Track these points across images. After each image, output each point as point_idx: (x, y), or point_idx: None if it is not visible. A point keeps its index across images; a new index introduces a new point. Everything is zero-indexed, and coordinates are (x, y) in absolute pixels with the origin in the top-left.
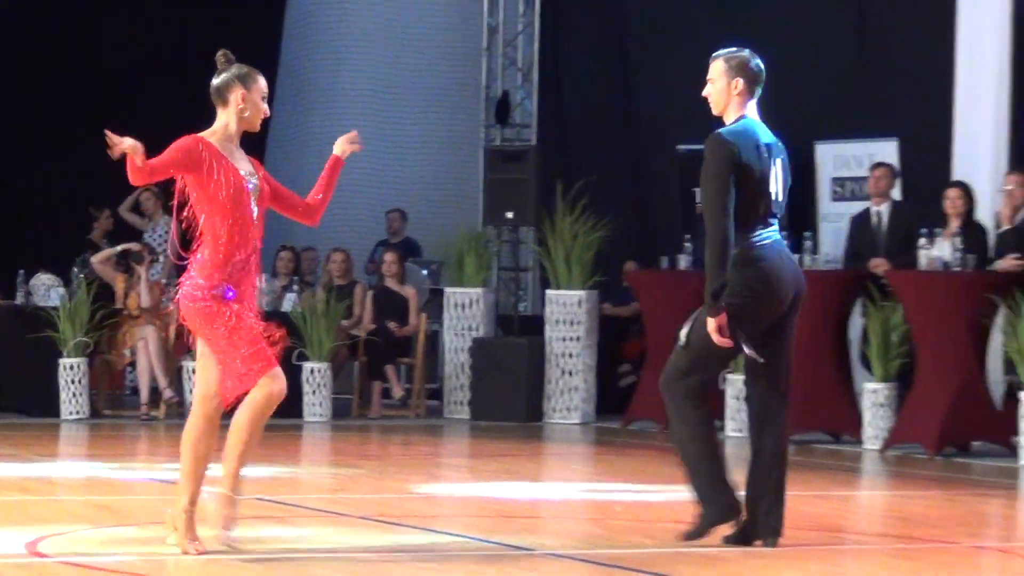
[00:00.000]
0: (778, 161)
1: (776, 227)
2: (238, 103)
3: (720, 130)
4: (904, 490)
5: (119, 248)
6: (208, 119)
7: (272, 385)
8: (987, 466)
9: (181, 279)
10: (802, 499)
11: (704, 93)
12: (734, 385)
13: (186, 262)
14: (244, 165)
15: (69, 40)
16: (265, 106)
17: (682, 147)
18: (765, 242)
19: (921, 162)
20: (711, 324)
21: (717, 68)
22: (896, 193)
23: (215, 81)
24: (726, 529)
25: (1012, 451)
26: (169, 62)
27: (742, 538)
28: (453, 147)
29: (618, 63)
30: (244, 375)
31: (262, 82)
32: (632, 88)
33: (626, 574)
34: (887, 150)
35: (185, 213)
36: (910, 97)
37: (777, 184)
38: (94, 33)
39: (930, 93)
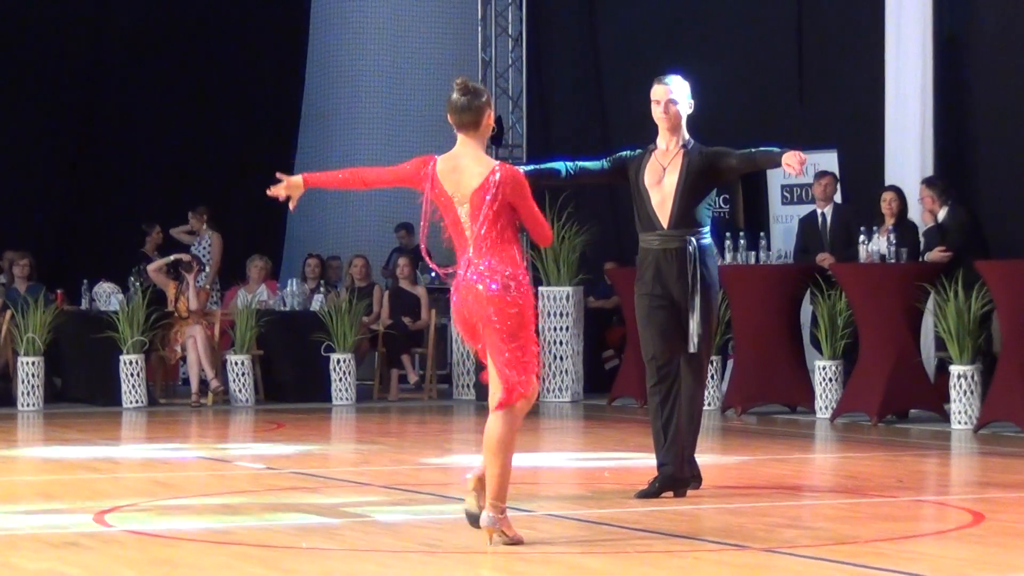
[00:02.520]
0: None
1: None
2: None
3: None
4: (852, 453)
5: (171, 258)
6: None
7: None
8: (923, 430)
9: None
10: (764, 462)
11: (668, 111)
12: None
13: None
14: None
15: (120, 74)
16: None
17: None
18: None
19: (858, 169)
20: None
21: (679, 90)
22: (838, 197)
23: (464, 100)
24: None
25: (944, 417)
26: (204, 95)
27: (650, 492)
28: None
29: (594, 91)
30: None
31: None
32: (607, 112)
33: (612, 530)
34: (829, 159)
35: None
36: (847, 113)
37: None
38: (143, 63)
39: (864, 109)
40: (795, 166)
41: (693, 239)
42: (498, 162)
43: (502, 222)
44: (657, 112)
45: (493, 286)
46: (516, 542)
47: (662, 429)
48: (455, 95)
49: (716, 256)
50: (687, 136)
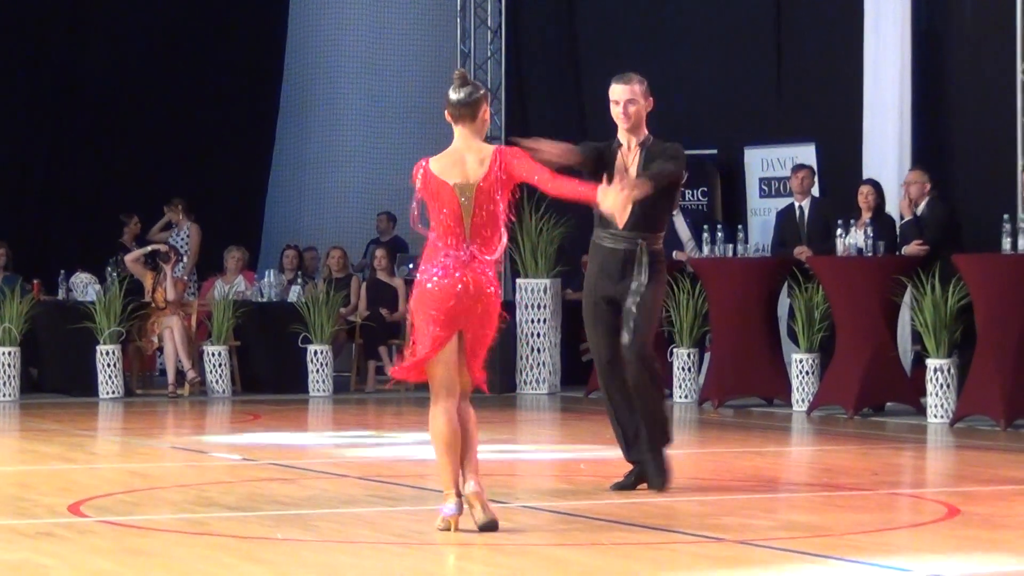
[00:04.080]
0: None
1: None
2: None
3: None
4: (828, 445)
5: (148, 249)
6: (221, 127)
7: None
8: (899, 423)
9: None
10: (741, 455)
11: (627, 111)
12: (680, 357)
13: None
14: None
15: (98, 65)
16: None
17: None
18: None
19: (836, 163)
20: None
21: (639, 89)
22: (815, 190)
23: (462, 96)
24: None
25: (920, 410)
26: (183, 86)
27: (625, 485)
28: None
29: (571, 83)
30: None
31: None
32: (585, 104)
33: (588, 522)
34: (807, 153)
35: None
36: (825, 107)
37: None
38: (121, 55)
39: (842, 103)
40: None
41: (643, 243)
42: (494, 146)
43: (500, 206)
44: (616, 112)
45: (497, 290)
46: (493, 521)
47: (624, 425)
48: (453, 89)
49: (664, 262)
50: (646, 132)
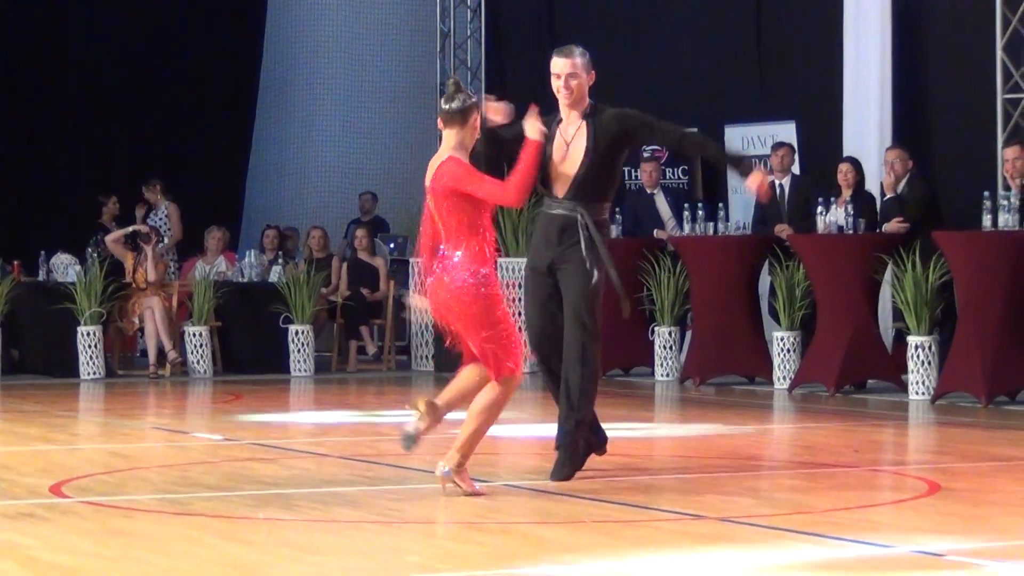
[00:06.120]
0: None
1: None
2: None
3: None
4: (809, 423)
5: (129, 229)
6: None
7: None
8: (880, 400)
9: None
10: (722, 433)
11: (568, 85)
12: (661, 335)
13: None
14: None
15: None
16: None
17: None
18: None
19: (816, 140)
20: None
21: (581, 63)
22: (796, 168)
23: (455, 105)
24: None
25: (901, 387)
26: (162, 66)
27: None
28: (414, 136)
29: (550, 62)
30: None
31: None
32: None
33: (569, 500)
34: (787, 131)
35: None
36: (805, 85)
37: None
38: (101, 36)
39: (823, 81)
40: (763, 191)
41: (585, 213)
42: (448, 155)
43: (465, 213)
44: (557, 85)
45: (458, 279)
46: (474, 494)
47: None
48: (445, 97)
49: (607, 232)
50: (588, 102)
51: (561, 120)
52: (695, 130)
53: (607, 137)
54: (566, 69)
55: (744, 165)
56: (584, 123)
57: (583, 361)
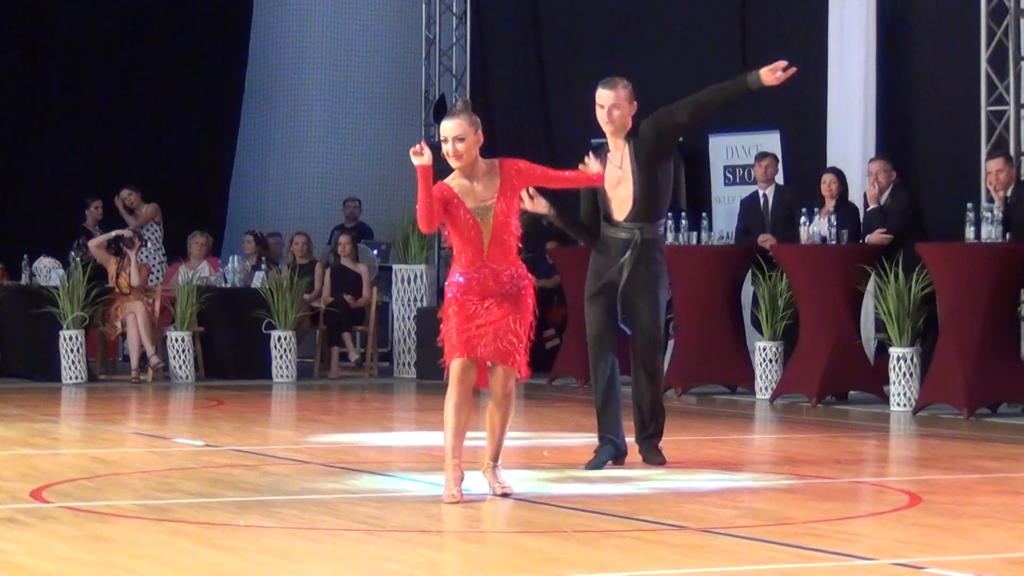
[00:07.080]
0: None
1: None
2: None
3: None
4: (791, 433)
5: (112, 234)
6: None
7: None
8: (862, 411)
9: None
10: (704, 442)
11: (611, 115)
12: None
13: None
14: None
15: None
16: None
17: (594, 140)
18: None
19: (800, 151)
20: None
21: (624, 94)
22: (779, 178)
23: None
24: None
25: (883, 399)
26: (147, 70)
27: (596, 464)
28: (398, 143)
29: (535, 69)
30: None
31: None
32: (548, 90)
33: (550, 510)
34: (771, 141)
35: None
36: (790, 95)
37: None
38: (84, 38)
39: (807, 91)
40: (778, 78)
41: (638, 232)
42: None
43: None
44: (601, 115)
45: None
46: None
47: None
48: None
49: (663, 247)
50: (629, 127)
51: (609, 150)
52: (705, 90)
53: (645, 148)
54: (609, 100)
55: (753, 75)
56: (627, 145)
57: (652, 378)
